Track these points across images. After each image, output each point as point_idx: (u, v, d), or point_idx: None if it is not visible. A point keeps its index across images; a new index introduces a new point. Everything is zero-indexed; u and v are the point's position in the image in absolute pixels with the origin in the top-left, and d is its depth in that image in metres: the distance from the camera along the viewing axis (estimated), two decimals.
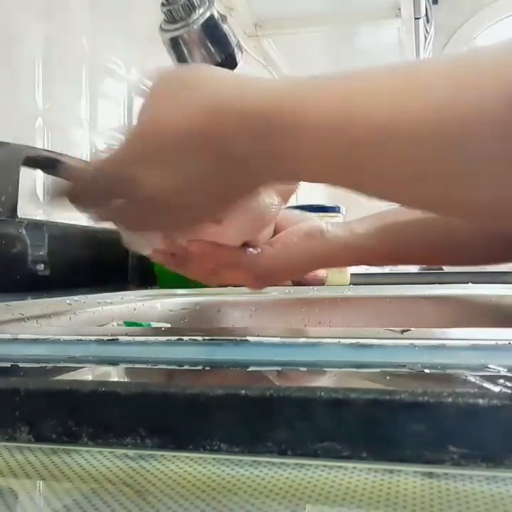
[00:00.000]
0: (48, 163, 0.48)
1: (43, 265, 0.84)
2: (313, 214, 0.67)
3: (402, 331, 0.33)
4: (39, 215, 0.89)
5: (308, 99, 0.30)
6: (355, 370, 0.28)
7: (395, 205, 0.36)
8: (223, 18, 0.55)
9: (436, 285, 0.94)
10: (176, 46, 0.54)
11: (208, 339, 0.34)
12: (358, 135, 0.28)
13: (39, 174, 0.88)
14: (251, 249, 0.50)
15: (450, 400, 0.22)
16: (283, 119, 0.29)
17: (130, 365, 0.31)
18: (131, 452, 0.25)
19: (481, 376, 0.25)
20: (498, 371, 0.26)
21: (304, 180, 0.34)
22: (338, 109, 0.29)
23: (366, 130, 0.28)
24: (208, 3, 0.54)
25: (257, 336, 0.33)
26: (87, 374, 0.30)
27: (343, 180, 0.32)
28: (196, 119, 0.31)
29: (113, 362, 0.31)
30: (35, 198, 0.89)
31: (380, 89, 0.29)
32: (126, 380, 0.31)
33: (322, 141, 0.29)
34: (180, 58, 0.55)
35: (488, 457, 0.22)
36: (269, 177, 0.34)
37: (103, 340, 0.35)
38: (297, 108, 0.30)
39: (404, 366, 0.27)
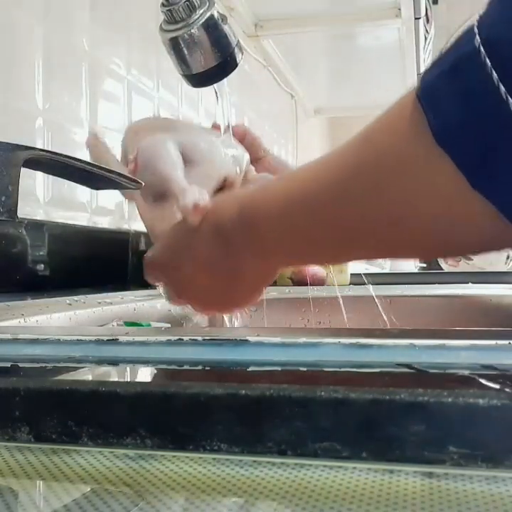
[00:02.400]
0: (48, 164, 0.48)
1: (43, 265, 0.84)
2: None
3: (403, 331, 0.33)
4: (39, 215, 0.89)
5: (257, 204, 0.41)
6: (355, 370, 0.28)
7: None
8: (223, 18, 0.55)
9: (436, 285, 0.94)
10: (175, 46, 0.54)
11: (208, 339, 0.34)
12: (285, 213, 0.39)
13: (39, 174, 0.88)
14: None
15: (450, 399, 0.22)
16: (245, 220, 0.42)
17: (130, 365, 0.31)
18: (131, 452, 0.25)
19: (481, 376, 0.25)
20: (498, 371, 0.26)
21: (278, 258, 0.44)
22: (275, 203, 0.40)
23: (288, 209, 0.38)
24: (208, 4, 0.54)
25: (257, 335, 0.33)
26: (87, 374, 0.30)
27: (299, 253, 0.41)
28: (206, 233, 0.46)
29: (113, 362, 0.31)
30: (35, 198, 0.89)
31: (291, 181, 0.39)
32: (126, 380, 0.31)
33: (272, 227, 0.40)
34: (180, 58, 0.55)
35: (488, 457, 0.22)
36: (253, 256, 0.44)
37: (103, 340, 0.35)
38: (251, 212, 0.41)
39: (404, 366, 0.27)
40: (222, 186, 0.55)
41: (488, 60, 0.26)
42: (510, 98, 0.26)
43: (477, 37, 0.26)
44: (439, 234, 0.32)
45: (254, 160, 0.60)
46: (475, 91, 0.27)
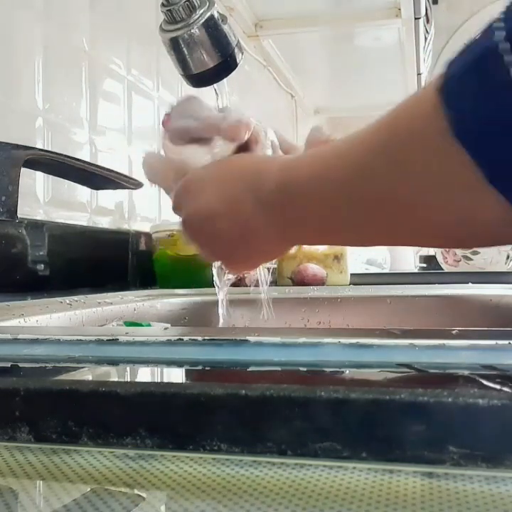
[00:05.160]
0: (48, 164, 0.48)
1: (42, 265, 0.84)
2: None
3: (403, 331, 0.33)
4: (39, 215, 0.90)
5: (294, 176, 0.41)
6: (355, 370, 0.28)
7: None
8: (223, 18, 0.55)
9: (436, 285, 0.94)
10: (176, 46, 0.54)
11: (208, 339, 0.34)
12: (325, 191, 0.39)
13: (39, 174, 0.88)
14: None
15: (450, 399, 0.22)
16: (280, 191, 0.42)
17: (130, 365, 0.31)
18: (131, 452, 0.25)
19: (481, 376, 0.25)
20: (498, 371, 0.26)
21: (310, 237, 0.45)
22: (312, 177, 0.40)
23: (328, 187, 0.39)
24: (208, 4, 0.54)
25: (257, 335, 0.33)
26: (87, 374, 0.30)
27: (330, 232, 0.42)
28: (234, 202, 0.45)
29: (113, 362, 0.31)
30: (35, 198, 0.89)
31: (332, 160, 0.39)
32: (126, 380, 0.31)
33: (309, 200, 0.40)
34: (180, 58, 0.55)
35: (488, 457, 0.22)
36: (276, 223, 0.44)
37: (103, 340, 0.35)
38: (286, 178, 0.42)
39: (404, 366, 0.27)
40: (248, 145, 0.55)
41: (506, 55, 0.26)
42: None
43: (500, 32, 0.26)
44: (451, 223, 0.33)
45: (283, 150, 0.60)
46: (493, 87, 0.27)
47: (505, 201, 0.29)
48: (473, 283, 0.98)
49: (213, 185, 0.47)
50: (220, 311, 0.66)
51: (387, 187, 0.35)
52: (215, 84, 0.58)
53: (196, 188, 0.48)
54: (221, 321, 0.67)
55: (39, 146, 0.89)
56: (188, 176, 0.49)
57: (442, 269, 1.51)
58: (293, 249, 1.07)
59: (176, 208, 0.50)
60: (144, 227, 1.17)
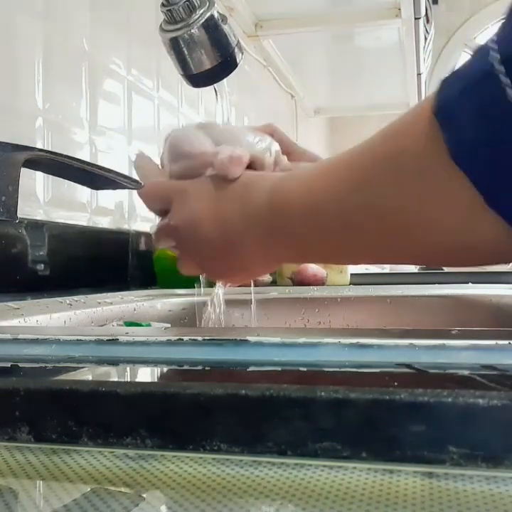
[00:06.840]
0: (48, 164, 0.48)
1: (42, 265, 0.84)
2: None
3: (403, 331, 0.33)
4: (39, 215, 0.90)
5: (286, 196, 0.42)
6: (355, 370, 0.28)
7: None
8: (223, 18, 0.55)
9: (436, 285, 0.94)
10: (176, 46, 0.54)
11: (208, 339, 0.34)
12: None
13: (39, 174, 0.88)
14: None
15: (450, 399, 0.22)
16: (272, 205, 0.43)
17: (130, 365, 0.31)
18: (131, 452, 0.25)
19: (481, 376, 0.25)
20: (498, 371, 0.26)
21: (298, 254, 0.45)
22: (299, 195, 0.41)
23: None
24: (208, 4, 0.54)
25: (257, 335, 0.33)
26: (87, 374, 0.30)
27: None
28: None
29: (113, 362, 0.31)
30: (35, 198, 0.89)
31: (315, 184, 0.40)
32: (126, 380, 0.31)
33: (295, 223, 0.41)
34: (180, 58, 0.55)
35: (488, 457, 0.22)
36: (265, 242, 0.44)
37: (103, 340, 0.35)
38: (280, 200, 0.42)
39: (404, 366, 0.27)
40: (253, 169, 0.54)
41: (502, 77, 0.26)
42: None
43: (494, 54, 0.26)
44: (446, 244, 0.33)
45: (286, 154, 0.59)
46: (490, 109, 0.27)
47: (504, 222, 0.29)
48: (473, 283, 0.98)
49: (205, 196, 0.47)
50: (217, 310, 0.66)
51: (381, 207, 0.34)
52: (215, 84, 0.58)
53: (190, 195, 0.48)
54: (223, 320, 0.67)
55: (39, 146, 0.89)
56: (185, 183, 0.50)
57: (442, 269, 1.50)
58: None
59: (163, 212, 0.50)
60: (144, 227, 1.17)
